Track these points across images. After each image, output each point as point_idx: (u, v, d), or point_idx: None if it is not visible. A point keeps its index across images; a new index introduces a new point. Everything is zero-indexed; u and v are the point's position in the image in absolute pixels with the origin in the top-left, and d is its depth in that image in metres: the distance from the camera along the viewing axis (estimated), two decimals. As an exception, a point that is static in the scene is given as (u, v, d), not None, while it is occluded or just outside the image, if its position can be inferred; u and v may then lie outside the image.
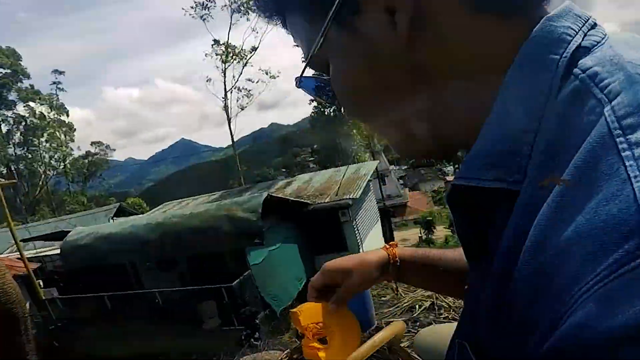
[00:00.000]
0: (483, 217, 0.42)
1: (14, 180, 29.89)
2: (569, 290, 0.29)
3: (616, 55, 0.36)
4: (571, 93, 0.35)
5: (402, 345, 0.86)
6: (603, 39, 0.39)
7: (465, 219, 0.45)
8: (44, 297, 10.36)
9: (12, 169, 32.94)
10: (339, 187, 11.17)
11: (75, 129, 35.02)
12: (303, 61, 0.50)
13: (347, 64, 0.46)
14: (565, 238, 0.30)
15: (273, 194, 9.80)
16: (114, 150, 43.25)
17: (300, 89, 0.55)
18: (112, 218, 17.61)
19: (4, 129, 32.71)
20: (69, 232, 11.40)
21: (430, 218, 20.00)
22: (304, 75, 0.51)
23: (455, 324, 0.55)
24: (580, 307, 0.28)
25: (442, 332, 1.03)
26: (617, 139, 0.31)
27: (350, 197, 10.61)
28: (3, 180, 14.25)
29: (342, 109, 0.53)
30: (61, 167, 34.64)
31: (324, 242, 10.66)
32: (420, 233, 19.54)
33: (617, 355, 0.26)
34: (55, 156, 34.15)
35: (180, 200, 17.33)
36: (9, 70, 33.05)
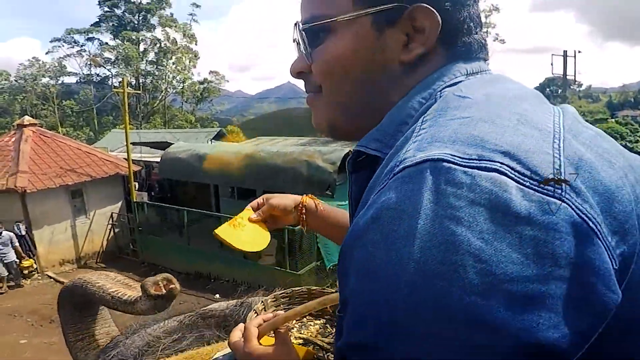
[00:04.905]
0: (366, 182, 0.54)
1: (139, 91, 33.76)
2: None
3: (458, 88, 0.53)
4: (425, 109, 0.53)
5: None
6: (469, 80, 0.56)
7: (357, 181, 0.59)
8: (134, 200, 11.31)
9: (140, 82, 37.19)
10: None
11: (199, 57, 38.08)
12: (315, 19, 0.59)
13: (354, 46, 0.57)
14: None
15: (355, 152, 9.86)
16: (227, 81, 46.95)
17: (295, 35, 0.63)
18: (211, 140, 18.91)
19: (142, 47, 36.89)
20: (172, 144, 12.55)
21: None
22: (308, 27, 0.59)
23: None
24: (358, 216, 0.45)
25: None
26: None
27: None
28: (131, 89, 15.97)
29: (312, 68, 0.61)
30: (180, 87, 38.75)
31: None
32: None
33: (365, 237, 0.42)
34: (177, 77, 38.37)
35: (272, 137, 18.08)
36: (156, -2, 36.87)
